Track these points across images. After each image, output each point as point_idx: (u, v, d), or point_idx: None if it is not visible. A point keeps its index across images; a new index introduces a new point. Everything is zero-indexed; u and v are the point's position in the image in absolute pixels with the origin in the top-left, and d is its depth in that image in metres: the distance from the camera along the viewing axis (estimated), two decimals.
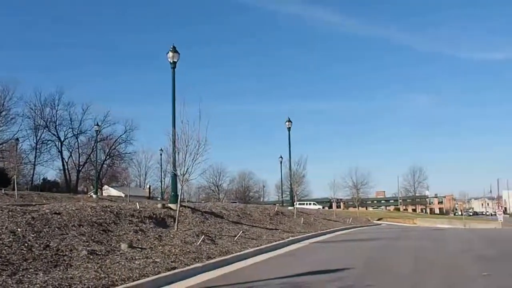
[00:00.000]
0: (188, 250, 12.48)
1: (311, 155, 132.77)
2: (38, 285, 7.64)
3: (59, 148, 62.50)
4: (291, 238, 18.79)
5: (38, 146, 60.17)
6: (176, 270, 10.04)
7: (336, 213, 43.70)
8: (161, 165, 62.54)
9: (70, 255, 10.00)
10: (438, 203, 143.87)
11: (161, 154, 52.09)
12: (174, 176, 17.65)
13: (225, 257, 12.45)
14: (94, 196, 41.18)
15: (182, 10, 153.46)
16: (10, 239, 10.01)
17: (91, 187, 64.47)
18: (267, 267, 11.93)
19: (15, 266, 8.56)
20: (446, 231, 32.06)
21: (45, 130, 61.05)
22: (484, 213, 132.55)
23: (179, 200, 16.70)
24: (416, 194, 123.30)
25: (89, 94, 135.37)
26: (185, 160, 15.43)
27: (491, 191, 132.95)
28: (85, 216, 13.40)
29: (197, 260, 11.42)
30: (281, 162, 49.40)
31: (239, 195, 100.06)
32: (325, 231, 25.68)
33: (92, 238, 11.82)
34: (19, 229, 10.73)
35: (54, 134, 62.00)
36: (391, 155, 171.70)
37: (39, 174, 65.58)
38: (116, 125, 67.34)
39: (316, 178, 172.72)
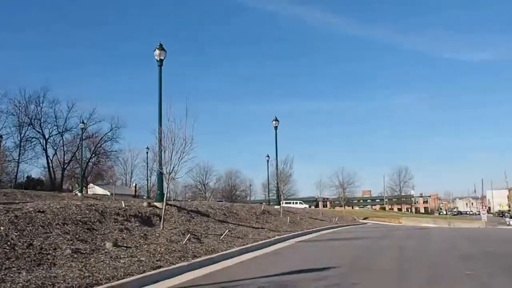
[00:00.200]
0: (173, 249, 12.42)
1: (298, 155, 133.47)
2: (20, 284, 7.54)
3: (44, 146, 61.68)
4: (277, 237, 18.81)
5: (22, 144, 59.33)
6: (161, 269, 9.98)
7: (323, 212, 43.89)
8: (147, 164, 62.12)
9: (54, 253, 9.88)
10: (423, 202, 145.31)
11: (147, 153, 51.71)
12: (160, 175, 17.54)
13: (211, 256, 12.42)
14: (79, 194, 40.78)
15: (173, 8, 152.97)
16: None
17: (76, 185, 63.84)
18: (253, 266, 11.92)
19: None
20: (431, 230, 32.37)
21: (29, 128, 60.19)
22: (468, 212, 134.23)
23: (165, 198, 16.62)
24: (402, 194, 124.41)
25: (75, 92, 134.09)
26: (171, 158, 15.36)
27: (475, 191, 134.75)
28: (70, 215, 13.25)
29: (182, 259, 11.37)
30: (267, 161, 49.46)
31: (226, 193, 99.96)
32: (311, 230, 25.76)
33: (77, 236, 11.70)
34: (1, 228, 10.56)
35: (38, 132, 61.18)
36: (377, 155, 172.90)
37: (23, 172, 64.81)
38: (102, 123, 66.55)
39: (303, 177, 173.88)
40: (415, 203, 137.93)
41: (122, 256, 10.66)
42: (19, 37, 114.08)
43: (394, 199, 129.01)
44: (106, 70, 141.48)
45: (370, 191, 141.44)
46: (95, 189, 68.37)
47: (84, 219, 13.36)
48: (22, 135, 59.38)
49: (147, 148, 46.09)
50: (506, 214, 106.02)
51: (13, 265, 8.65)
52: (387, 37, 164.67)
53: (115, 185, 60.90)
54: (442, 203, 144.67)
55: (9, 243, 9.81)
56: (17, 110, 58.94)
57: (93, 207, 14.89)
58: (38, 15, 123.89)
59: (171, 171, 15.46)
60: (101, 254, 10.60)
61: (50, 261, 9.35)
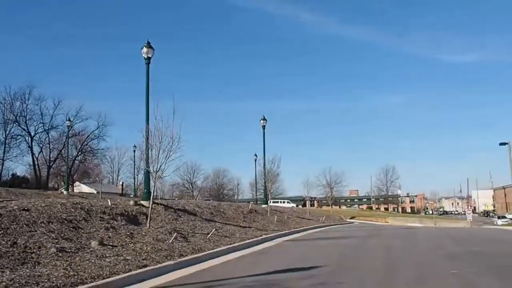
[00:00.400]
0: (160, 247, 12.36)
1: (286, 154, 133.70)
2: (4, 283, 7.44)
3: (29, 143, 61.03)
4: (264, 236, 18.82)
5: (7, 141, 58.65)
6: (147, 268, 9.93)
7: (310, 212, 44.03)
8: (134, 162, 61.69)
9: (38, 252, 9.78)
10: (410, 202, 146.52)
11: (134, 151, 51.39)
12: (147, 173, 17.46)
13: (198, 255, 12.39)
14: (65, 192, 40.38)
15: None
16: None
17: (62, 183, 63.21)
18: (240, 265, 11.90)
19: None
20: (417, 230, 32.62)
21: (14, 125, 59.52)
22: (453, 212, 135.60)
23: (151, 197, 16.55)
24: (389, 193, 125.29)
25: (61, 89, 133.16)
26: (158, 157, 15.32)
27: (461, 190, 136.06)
28: (55, 213, 13.12)
29: (169, 258, 11.32)
30: (255, 160, 49.50)
31: (213, 192, 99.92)
32: (298, 229, 25.81)
33: (62, 235, 11.59)
34: None
35: (24, 129, 60.51)
36: (365, 155, 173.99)
37: (8, 169, 63.96)
38: (88, 121, 66.10)
39: (291, 177, 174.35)
40: (401, 203, 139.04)
41: (107, 255, 10.59)
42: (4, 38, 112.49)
43: (381, 199, 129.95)
44: (94, 68, 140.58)
45: (357, 190, 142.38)
46: (81, 187, 67.82)
47: (69, 217, 13.23)
48: (7, 132, 58.73)
49: (134, 146, 45.89)
50: (491, 214, 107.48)
51: None
52: (367, 36, 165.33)
53: (102, 183, 60.58)
54: (428, 203, 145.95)
55: None
56: (2, 107, 58.35)
57: (79, 206, 14.76)
58: (27, 13, 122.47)
59: (158, 169, 15.41)
60: (86, 253, 10.52)
61: (34, 260, 9.25)
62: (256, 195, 67.73)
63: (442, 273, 10.40)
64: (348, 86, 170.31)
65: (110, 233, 13.21)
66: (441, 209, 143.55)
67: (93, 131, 66.44)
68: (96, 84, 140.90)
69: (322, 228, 30.35)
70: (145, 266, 10.08)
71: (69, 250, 10.41)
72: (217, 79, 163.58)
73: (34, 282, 7.66)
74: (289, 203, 67.77)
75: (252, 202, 44.15)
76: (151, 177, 16.52)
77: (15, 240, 10.14)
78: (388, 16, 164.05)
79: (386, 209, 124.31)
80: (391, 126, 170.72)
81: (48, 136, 64.32)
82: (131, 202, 18.23)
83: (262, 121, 35.35)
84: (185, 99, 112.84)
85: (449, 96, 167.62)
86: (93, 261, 9.77)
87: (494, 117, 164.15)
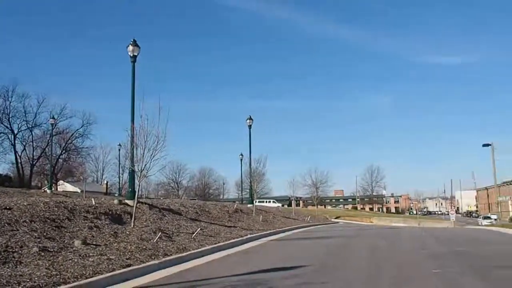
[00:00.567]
0: (144, 247, 12.29)
1: (272, 154, 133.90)
2: None
3: (12, 141, 60.15)
4: (249, 236, 18.82)
5: None
6: (131, 267, 9.86)
7: (295, 211, 44.14)
8: (119, 161, 61.35)
9: (20, 251, 9.65)
10: (394, 202, 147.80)
11: (119, 149, 51.14)
12: (132, 172, 17.35)
13: (182, 254, 12.34)
14: (48, 191, 39.87)
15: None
16: None
17: (46, 182, 62.36)
18: (225, 264, 11.89)
19: None
20: (401, 230, 32.91)
21: None
22: (437, 212, 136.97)
23: (136, 196, 16.46)
24: (374, 194, 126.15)
25: (45, 87, 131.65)
26: (143, 155, 15.23)
27: (444, 191, 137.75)
28: (38, 212, 12.97)
29: (153, 257, 11.25)
30: (241, 160, 49.49)
31: (199, 192, 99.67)
32: (283, 229, 25.87)
33: (44, 234, 11.46)
34: None
35: (7, 127, 59.61)
36: (351, 155, 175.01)
37: None
38: (73, 119, 65.37)
39: (277, 177, 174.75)
40: (386, 203, 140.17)
41: (91, 254, 10.49)
42: None
43: (366, 199, 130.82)
44: (80, 66, 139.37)
45: (343, 190, 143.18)
46: (65, 186, 67.07)
47: (52, 216, 13.09)
48: None
49: (119, 145, 45.65)
50: (473, 214, 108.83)
51: None
52: (353, 36, 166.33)
53: (86, 182, 59.82)
54: (412, 203, 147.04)
55: None
56: None
57: (62, 204, 14.60)
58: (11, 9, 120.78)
59: (143, 168, 15.33)
60: (69, 252, 10.41)
61: (16, 259, 9.13)
62: (241, 195, 67.63)
63: (425, 272, 10.51)
64: (333, 85, 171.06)
65: (93, 233, 13.10)
66: (425, 209, 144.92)
67: (77, 130, 65.77)
68: (81, 82, 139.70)
69: (307, 228, 30.45)
70: (129, 265, 10.01)
71: (52, 250, 10.30)
72: (202, 78, 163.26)
73: (16, 282, 7.56)
74: (275, 203, 67.90)
75: (237, 202, 44.18)
76: (136, 176, 16.42)
77: None
78: (371, 16, 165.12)
79: (371, 209, 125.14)
80: (377, 127, 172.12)
81: (32, 134, 63.50)
82: (116, 201, 18.10)
83: (248, 121, 35.35)
84: (171, 98, 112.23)
85: (434, 97, 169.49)
86: (76, 260, 9.68)
87: (479, 118, 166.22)
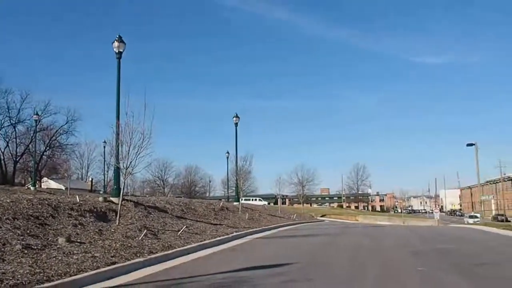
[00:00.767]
0: (129, 244, 12.21)
1: (258, 152, 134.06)
2: None
3: None
4: (235, 234, 18.81)
5: None
6: (116, 265, 9.79)
7: (281, 209, 44.22)
8: (104, 158, 60.86)
9: (3, 249, 9.51)
10: (380, 200, 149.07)
11: (104, 147, 50.72)
12: (117, 169, 17.23)
13: (168, 252, 12.29)
14: (32, 188, 39.41)
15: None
16: None
17: (29, 179, 61.73)
18: (210, 262, 11.87)
19: None
20: (386, 228, 33.19)
21: None
22: (421, 211, 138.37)
23: (121, 193, 16.34)
24: (359, 192, 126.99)
25: (30, 84, 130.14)
26: (128, 153, 15.13)
27: (429, 190, 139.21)
28: (21, 209, 12.80)
29: (138, 255, 11.19)
30: (227, 158, 49.46)
31: (185, 189, 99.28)
32: (269, 226, 25.91)
33: (28, 232, 11.31)
34: None
35: None
36: (337, 154, 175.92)
37: None
38: (57, 115, 64.55)
39: (263, 175, 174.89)
40: (371, 201, 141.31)
41: (75, 252, 10.39)
42: None
43: (351, 197, 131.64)
44: (64, 62, 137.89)
45: (329, 189, 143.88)
46: (49, 183, 66.41)
47: (36, 213, 12.94)
48: None
49: (105, 142, 45.26)
50: (457, 212, 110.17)
51: None
52: (340, 36, 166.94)
53: (70, 179, 59.30)
54: (397, 202, 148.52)
55: None
56: None
57: (46, 202, 14.45)
58: None
59: (128, 166, 15.22)
60: (53, 249, 10.30)
61: None
62: (227, 193, 67.55)
63: (410, 270, 10.60)
64: (320, 85, 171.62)
65: (78, 230, 12.98)
66: (409, 208, 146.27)
67: (62, 126, 64.97)
68: (66, 79, 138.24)
69: (293, 226, 30.55)
70: (114, 263, 9.94)
71: (35, 247, 10.17)
72: (187, 76, 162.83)
73: None
74: (261, 201, 67.91)
75: (223, 200, 44.13)
76: (121, 174, 16.31)
77: None
78: (358, 15, 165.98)
79: (357, 207, 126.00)
80: (363, 126, 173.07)
81: (15, 130, 62.53)
82: (101, 199, 17.96)
83: (234, 119, 35.31)
84: (158, 96, 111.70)
85: (419, 97, 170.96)
86: (60, 258, 9.58)
87: (463, 118, 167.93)
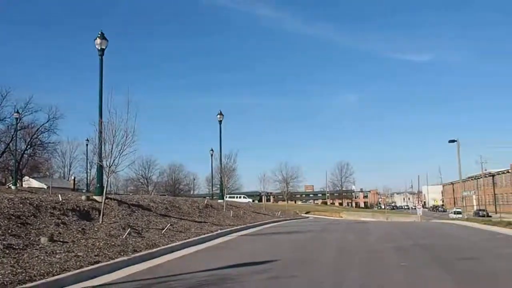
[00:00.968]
0: (113, 243, 12.13)
1: (242, 150, 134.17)
2: None
3: None
4: (219, 231, 18.80)
5: None
6: (100, 264, 9.72)
7: (266, 207, 44.36)
8: (87, 156, 60.12)
9: None
10: (363, 197, 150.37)
11: (87, 145, 49.95)
12: (100, 168, 17.08)
13: (152, 250, 12.24)
14: (13, 187, 38.85)
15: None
16: None
17: (10, 178, 60.82)
18: (195, 260, 11.86)
19: None
20: (370, 224, 33.46)
21: None
22: (404, 207, 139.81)
23: (104, 192, 16.22)
24: (343, 189, 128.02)
25: (10, 81, 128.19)
26: (111, 151, 15.03)
27: (412, 186, 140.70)
28: (1, 209, 12.62)
29: (122, 254, 11.12)
30: (211, 155, 49.41)
31: (169, 187, 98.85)
32: (254, 224, 25.95)
33: (9, 231, 11.16)
34: None
35: None
36: (320, 152, 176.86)
37: None
38: (38, 113, 63.79)
39: (247, 172, 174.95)
40: (355, 198, 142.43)
41: (58, 251, 10.29)
42: None
43: (335, 194, 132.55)
44: (46, 61, 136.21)
45: (313, 186, 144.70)
46: (30, 182, 65.47)
47: (17, 213, 12.77)
48: None
49: (87, 140, 44.48)
50: (440, 208, 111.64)
51: None
52: (323, 34, 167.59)
53: (52, 178, 58.79)
54: (381, 198, 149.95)
55: None
56: None
57: (28, 201, 14.27)
58: None
59: (111, 164, 15.13)
60: (35, 249, 10.19)
61: None
62: (212, 190, 67.53)
63: (393, 265, 10.72)
64: (303, 83, 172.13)
65: (60, 229, 12.85)
66: (393, 204, 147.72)
67: (43, 124, 64.11)
68: (47, 76, 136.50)
69: (278, 223, 30.63)
70: (98, 262, 9.87)
71: (17, 247, 10.05)
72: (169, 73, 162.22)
73: None
74: (245, 198, 68.03)
75: (208, 197, 44.06)
76: (104, 172, 16.18)
77: None
78: (344, 13, 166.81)
79: (341, 204, 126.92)
80: (346, 124, 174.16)
81: None
82: (83, 197, 17.80)
83: (219, 116, 35.22)
84: (141, 93, 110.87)
85: (401, 95, 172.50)
86: (42, 258, 9.48)
87: (445, 115, 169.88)
